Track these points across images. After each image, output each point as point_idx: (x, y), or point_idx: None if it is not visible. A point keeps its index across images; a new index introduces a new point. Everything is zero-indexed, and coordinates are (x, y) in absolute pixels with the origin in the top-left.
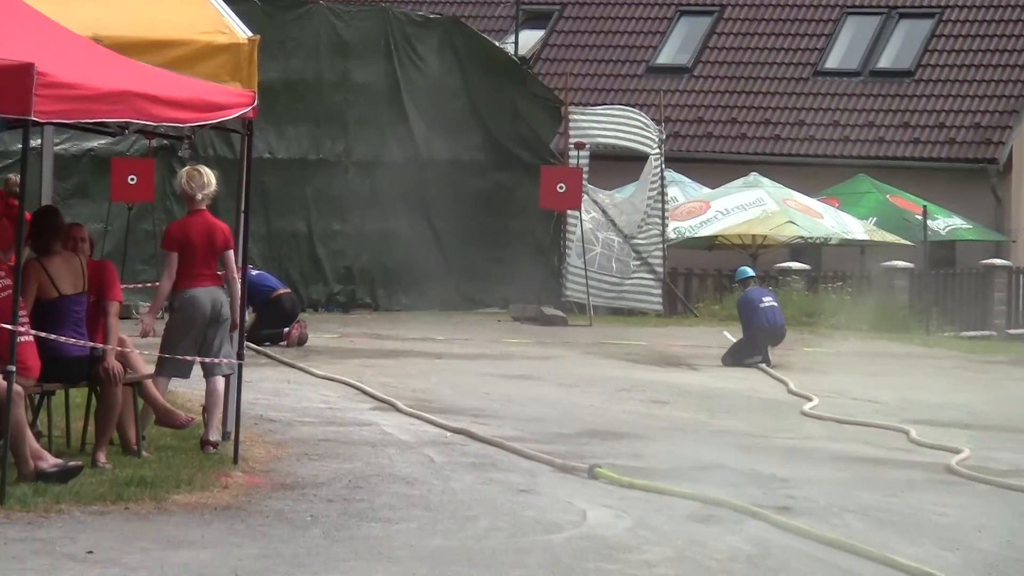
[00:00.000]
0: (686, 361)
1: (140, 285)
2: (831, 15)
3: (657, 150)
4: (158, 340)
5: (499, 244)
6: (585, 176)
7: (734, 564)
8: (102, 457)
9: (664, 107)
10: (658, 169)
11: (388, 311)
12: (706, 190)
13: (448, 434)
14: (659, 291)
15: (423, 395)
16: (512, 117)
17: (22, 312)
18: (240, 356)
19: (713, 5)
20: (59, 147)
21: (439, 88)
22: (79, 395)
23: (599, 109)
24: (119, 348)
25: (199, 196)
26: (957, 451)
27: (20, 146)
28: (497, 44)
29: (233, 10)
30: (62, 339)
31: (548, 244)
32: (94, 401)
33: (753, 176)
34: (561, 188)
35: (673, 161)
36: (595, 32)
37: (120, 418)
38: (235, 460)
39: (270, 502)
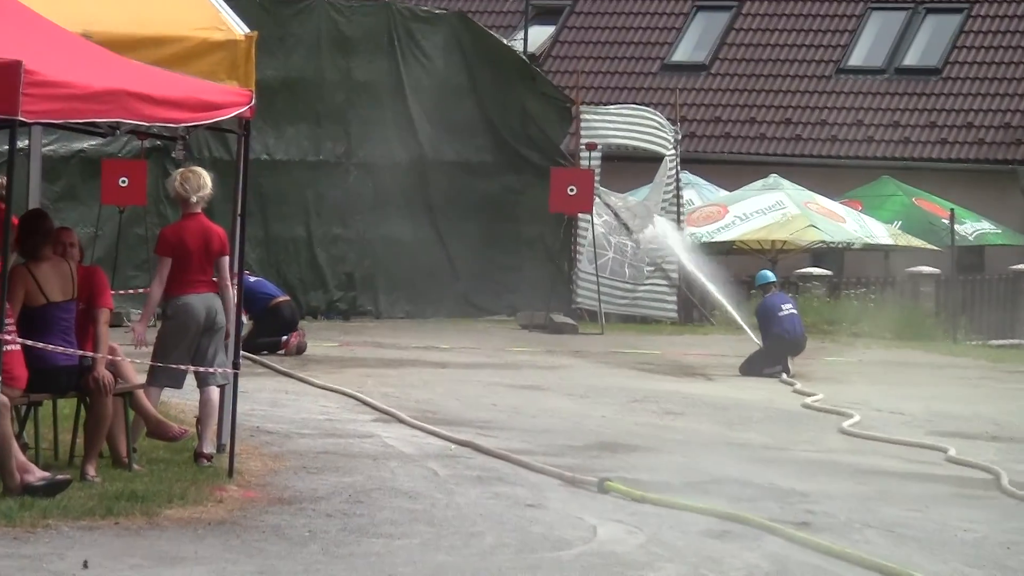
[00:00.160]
0: (702, 371)
1: (132, 292)
2: (855, 10)
3: (672, 151)
4: (150, 349)
5: (507, 249)
6: (597, 178)
7: None
8: (91, 470)
9: (680, 106)
10: (673, 171)
11: (391, 319)
12: (723, 193)
13: (452, 446)
14: (674, 298)
15: (427, 406)
16: (521, 117)
17: (8, 320)
18: (236, 365)
19: (731, 0)
20: (47, 148)
21: (445, 87)
22: (68, 406)
23: (612, 108)
24: (109, 357)
25: (194, 199)
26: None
27: (7, 147)
28: (505, 41)
29: (230, 5)
30: (50, 348)
31: (558, 249)
32: (83, 412)
33: (773, 178)
34: (572, 191)
35: (689, 162)
36: (608, 28)
37: (110, 430)
38: (230, 473)
39: (266, 517)
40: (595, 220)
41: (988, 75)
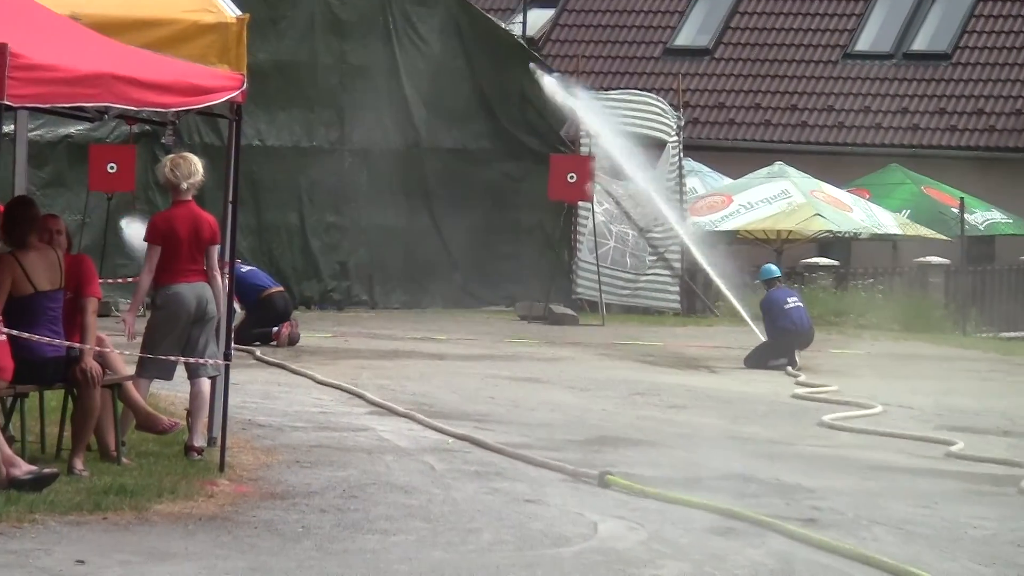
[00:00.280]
0: (705, 363)
1: (120, 281)
2: None
3: (675, 137)
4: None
5: (505, 238)
6: (598, 166)
7: None
8: (79, 464)
9: (683, 92)
10: (676, 158)
11: (386, 309)
12: (727, 180)
13: (450, 440)
14: (676, 288)
15: (423, 399)
16: (519, 103)
17: None
18: (227, 356)
19: None
20: (33, 133)
21: (441, 71)
22: (55, 398)
23: (613, 94)
24: (97, 348)
25: (184, 186)
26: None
27: None
28: (503, 25)
29: None
30: (36, 338)
31: (558, 238)
32: (71, 404)
33: (778, 166)
34: (572, 178)
35: (692, 149)
36: (608, 11)
37: (98, 422)
38: (221, 467)
39: (258, 512)
40: (596, 208)
41: (999, 60)
